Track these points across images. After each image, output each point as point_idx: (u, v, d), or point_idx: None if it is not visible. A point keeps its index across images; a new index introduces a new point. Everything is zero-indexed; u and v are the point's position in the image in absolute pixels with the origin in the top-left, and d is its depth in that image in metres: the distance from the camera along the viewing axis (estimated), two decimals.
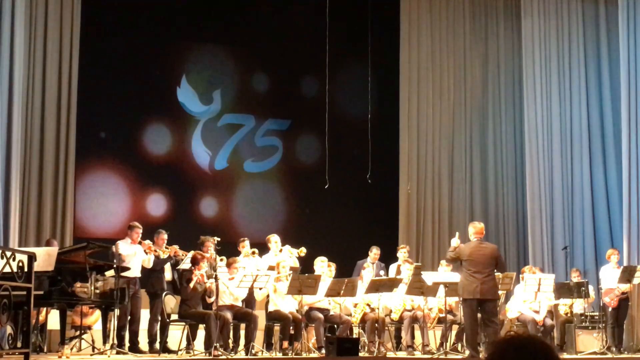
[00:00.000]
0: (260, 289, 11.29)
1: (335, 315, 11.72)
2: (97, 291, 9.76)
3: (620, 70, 14.83)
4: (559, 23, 15.86)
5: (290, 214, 15.48)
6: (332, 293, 11.36)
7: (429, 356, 11.23)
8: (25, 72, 13.27)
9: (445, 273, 12.18)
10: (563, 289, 12.76)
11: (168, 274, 11.83)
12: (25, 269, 7.07)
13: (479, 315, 10.59)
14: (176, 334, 11.33)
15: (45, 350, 10.93)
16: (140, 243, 11.40)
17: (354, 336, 11.73)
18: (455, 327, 12.09)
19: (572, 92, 15.74)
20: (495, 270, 10.65)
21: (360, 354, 10.99)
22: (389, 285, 11.69)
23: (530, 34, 15.87)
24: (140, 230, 11.48)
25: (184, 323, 11.04)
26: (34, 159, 13.50)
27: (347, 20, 15.78)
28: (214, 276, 10.82)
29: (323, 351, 10.95)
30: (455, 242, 10.80)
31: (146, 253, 11.39)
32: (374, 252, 13.29)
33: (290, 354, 10.87)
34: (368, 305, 11.94)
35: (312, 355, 11.03)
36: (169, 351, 11.17)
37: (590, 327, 13.24)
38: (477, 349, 10.47)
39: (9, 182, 12.51)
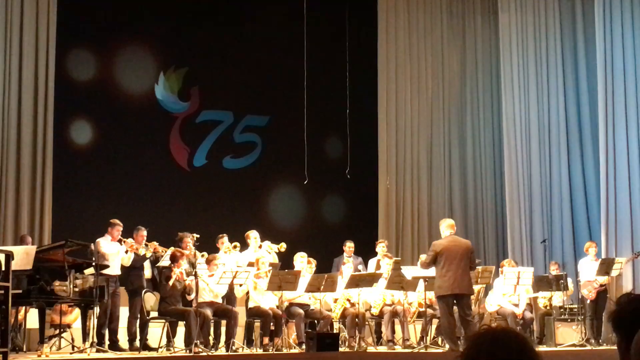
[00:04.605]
0: (241, 285, 11.29)
1: (316, 310, 11.73)
2: (76, 289, 9.70)
3: (597, 64, 14.92)
4: (536, 17, 15.92)
5: (269, 210, 15.46)
6: (312, 288, 11.38)
7: (410, 350, 11.26)
8: (1, 68, 13.18)
9: None
10: (542, 282, 12.84)
11: (147, 272, 11.76)
12: (3, 268, 7.03)
13: (455, 309, 10.62)
14: (156, 331, 11.30)
15: (24, 349, 10.88)
16: (123, 242, 11.32)
17: (335, 331, 11.75)
18: (435, 321, 12.10)
19: (550, 85, 15.80)
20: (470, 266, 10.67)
21: (341, 349, 11.01)
22: (369, 280, 11.71)
23: (508, 28, 15.92)
24: (121, 228, 11.40)
25: (163, 320, 11.02)
26: (10, 156, 13.36)
27: (324, 16, 15.77)
28: (193, 273, 10.79)
29: (303, 347, 10.96)
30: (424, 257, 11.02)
31: (127, 252, 11.32)
32: (348, 245, 13.30)
33: (270, 350, 10.88)
34: (348, 300, 11.95)
35: (293, 350, 11.05)
36: (149, 349, 11.14)
37: (569, 320, 13.32)
38: (456, 342, 10.47)
39: None
